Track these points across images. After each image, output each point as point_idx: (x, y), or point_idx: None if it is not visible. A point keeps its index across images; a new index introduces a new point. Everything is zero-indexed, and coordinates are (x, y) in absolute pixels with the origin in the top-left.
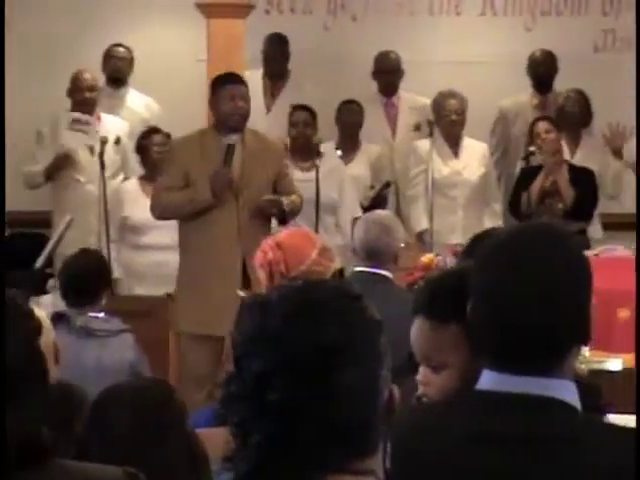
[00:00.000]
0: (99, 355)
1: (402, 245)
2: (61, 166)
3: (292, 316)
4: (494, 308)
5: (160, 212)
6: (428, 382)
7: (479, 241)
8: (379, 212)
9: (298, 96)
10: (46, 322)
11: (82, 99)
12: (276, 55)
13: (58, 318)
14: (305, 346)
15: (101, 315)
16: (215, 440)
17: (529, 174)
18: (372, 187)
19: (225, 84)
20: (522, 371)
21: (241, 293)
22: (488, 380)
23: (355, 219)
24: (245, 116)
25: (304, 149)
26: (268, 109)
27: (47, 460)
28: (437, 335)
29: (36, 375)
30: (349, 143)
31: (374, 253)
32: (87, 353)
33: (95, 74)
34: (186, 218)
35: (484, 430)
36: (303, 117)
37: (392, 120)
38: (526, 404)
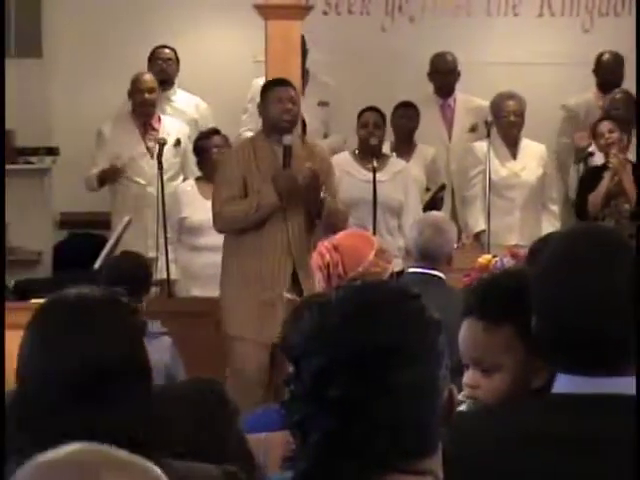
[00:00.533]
0: None
1: (455, 246)
2: (111, 177)
3: (351, 315)
4: (560, 314)
5: (224, 225)
6: (477, 385)
7: (537, 249)
8: (434, 214)
9: (323, 94)
10: None
11: (142, 100)
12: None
13: None
14: (363, 345)
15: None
16: (276, 443)
17: (593, 175)
18: (427, 189)
19: (273, 87)
20: (595, 372)
21: (288, 295)
22: (565, 383)
23: None
24: (294, 117)
25: (371, 150)
26: None
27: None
28: (489, 337)
29: (139, 373)
30: (404, 145)
31: (427, 254)
32: None
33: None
34: (251, 227)
35: (569, 432)
36: (373, 118)
37: (448, 121)
38: (607, 403)
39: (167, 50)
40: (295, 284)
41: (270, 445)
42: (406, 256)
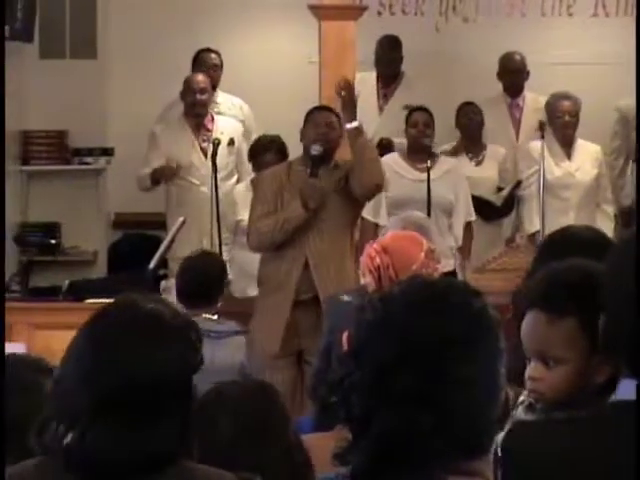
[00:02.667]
0: (212, 356)
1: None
2: (165, 177)
3: (416, 307)
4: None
5: (257, 242)
6: (540, 378)
7: (556, 239)
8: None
9: (410, 97)
10: None
11: (194, 101)
12: (389, 57)
13: None
14: (429, 336)
15: (215, 317)
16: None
17: None
18: (499, 189)
19: (313, 113)
20: None
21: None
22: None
23: (468, 223)
24: (329, 141)
25: (422, 150)
26: (380, 110)
27: (171, 464)
28: (553, 329)
29: (181, 406)
30: (474, 145)
31: None
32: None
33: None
34: (281, 243)
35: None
36: (423, 118)
37: (516, 121)
38: None
39: (212, 55)
40: (310, 287)
41: (310, 446)
42: (457, 255)
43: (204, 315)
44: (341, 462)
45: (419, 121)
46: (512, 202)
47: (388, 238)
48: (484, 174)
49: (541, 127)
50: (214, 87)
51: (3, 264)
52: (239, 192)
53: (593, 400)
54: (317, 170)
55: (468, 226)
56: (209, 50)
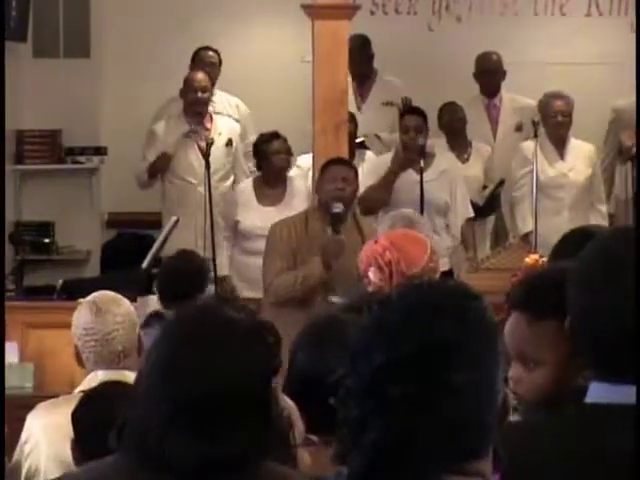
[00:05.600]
0: None
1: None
2: (161, 165)
3: (414, 312)
4: (600, 316)
5: (275, 298)
6: (520, 380)
7: (569, 241)
8: (405, 209)
9: (387, 94)
10: (134, 316)
11: (194, 99)
12: (360, 56)
13: (155, 318)
14: (426, 342)
15: None
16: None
17: None
18: (485, 187)
19: (329, 166)
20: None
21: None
22: (600, 392)
23: (467, 220)
24: (345, 198)
25: (415, 152)
26: (359, 109)
27: (249, 465)
28: (534, 331)
29: (259, 411)
30: (459, 143)
31: None
32: None
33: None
34: (300, 297)
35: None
36: (414, 123)
37: (494, 121)
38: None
39: (211, 53)
40: None
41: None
42: (457, 255)
43: None
44: (341, 462)
45: (410, 127)
46: (495, 201)
47: (393, 236)
48: (470, 173)
49: (519, 128)
50: (212, 85)
51: (3, 264)
52: (242, 192)
53: (574, 402)
54: (339, 227)
55: (468, 223)
56: (208, 48)
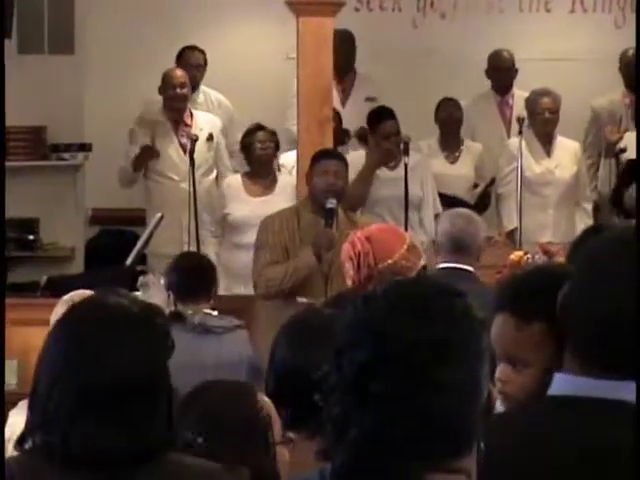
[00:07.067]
0: (218, 351)
1: (488, 242)
2: (146, 157)
3: (397, 309)
4: (598, 311)
5: (265, 290)
6: (508, 380)
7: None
8: (461, 208)
9: (369, 90)
10: None
11: (173, 95)
12: (343, 51)
13: (174, 317)
14: (410, 339)
15: (214, 313)
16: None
17: (633, 169)
18: (476, 185)
19: (320, 159)
20: (612, 375)
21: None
22: (574, 384)
23: (437, 215)
24: (338, 192)
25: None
26: (342, 104)
27: (152, 457)
28: (520, 333)
29: (161, 396)
30: (451, 141)
31: (460, 245)
32: (206, 350)
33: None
34: (290, 290)
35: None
36: (393, 128)
37: (507, 118)
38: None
39: (196, 53)
40: None
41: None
42: (432, 250)
43: (204, 310)
44: (324, 458)
45: (391, 133)
46: (487, 200)
47: (373, 228)
48: (459, 172)
49: (519, 121)
50: (196, 86)
51: (4, 265)
52: (230, 185)
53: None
54: (332, 221)
55: (436, 219)
56: (193, 48)
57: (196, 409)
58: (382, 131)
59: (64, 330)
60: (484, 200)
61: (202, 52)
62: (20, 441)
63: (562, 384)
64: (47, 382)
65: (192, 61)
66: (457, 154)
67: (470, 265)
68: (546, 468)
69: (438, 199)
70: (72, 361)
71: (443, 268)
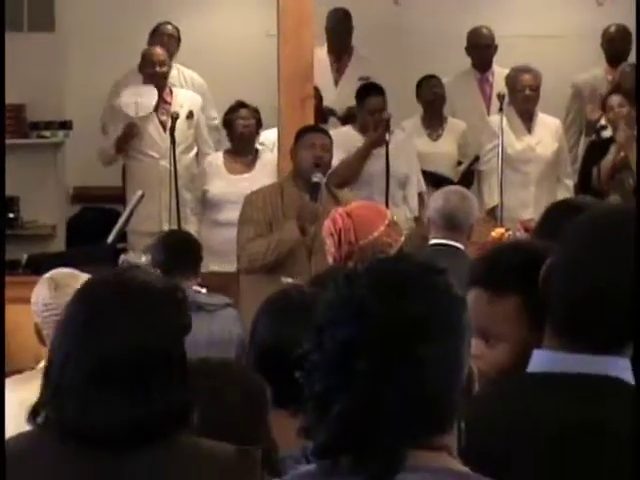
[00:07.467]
0: (210, 329)
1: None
2: (129, 135)
3: (379, 287)
4: (581, 284)
5: (248, 264)
6: (480, 355)
7: (553, 215)
8: (456, 186)
9: (364, 69)
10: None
11: (153, 73)
12: (340, 30)
13: None
14: (392, 317)
15: (203, 290)
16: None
17: (598, 148)
18: (459, 163)
19: (306, 133)
20: (595, 350)
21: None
22: (555, 360)
23: (420, 194)
24: (324, 166)
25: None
26: (336, 83)
27: (165, 437)
28: (494, 307)
29: (176, 370)
30: (434, 119)
31: (453, 222)
32: (198, 327)
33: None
34: (273, 264)
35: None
36: (379, 104)
37: (487, 95)
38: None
39: (169, 27)
40: None
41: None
42: (416, 227)
43: (194, 287)
44: (307, 435)
45: (377, 108)
46: (470, 177)
47: (354, 205)
48: (442, 149)
49: (499, 98)
50: (169, 58)
51: (3, 267)
52: (211, 163)
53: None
54: (317, 196)
55: (420, 197)
56: (167, 22)
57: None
58: (368, 106)
59: (80, 302)
60: (467, 177)
61: (175, 27)
62: (33, 414)
63: (543, 360)
64: (62, 355)
65: (165, 32)
66: (440, 131)
67: (460, 242)
68: (531, 444)
69: (422, 178)
70: (87, 333)
71: (434, 244)
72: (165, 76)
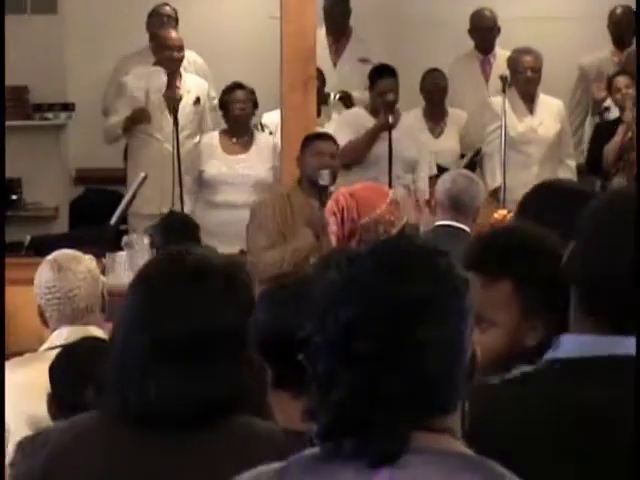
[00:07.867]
0: None
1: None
2: (138, 120)
3: (382, 267)
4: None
5: (264, 274)
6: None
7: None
8: (463, 170)
9: (362, 51)
10: (96, 272)
11: (170, 58)
12: (338, 11)
13: None
14: (394, 297)
15: None
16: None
17: (605, 130)
18: (462, 156)
19: (314, 141)
20: (624, 331)
21: None
22: (585, 344)
23: (431, 178)
24: (333, 172)
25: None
26: (334, 64)
27: (225, 418)
28: (487, 292)
29: (238, 346)
30: (435, 111)
31: (460, 204)
32: None
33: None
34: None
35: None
36: (391, 85)
37: (488, 78)
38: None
39: (168, 7)
40: None
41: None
42: (425, 209)
43: None
44: (310, 418)
45: (388, 90)
46: (472, 169)
47: (356, 186)
48: (445, 146)
49: (502, 80)
50: None
51: (3, 269)
52: (206, 144)
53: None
54: (326, 199)
55: (432, 180)
56: (165, 4)
57: None
58: (379, 88)
59: (143, 282)
60: (471, 170)
61: (173, 8)
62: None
63: (574, 345)
64: (123, 334)
65: (163, 12)
66: (442, 126)
67: (466, 224)
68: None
69: (434, 161)
70: (149, 312)
71: (440, 225)
72: (181, 61)
